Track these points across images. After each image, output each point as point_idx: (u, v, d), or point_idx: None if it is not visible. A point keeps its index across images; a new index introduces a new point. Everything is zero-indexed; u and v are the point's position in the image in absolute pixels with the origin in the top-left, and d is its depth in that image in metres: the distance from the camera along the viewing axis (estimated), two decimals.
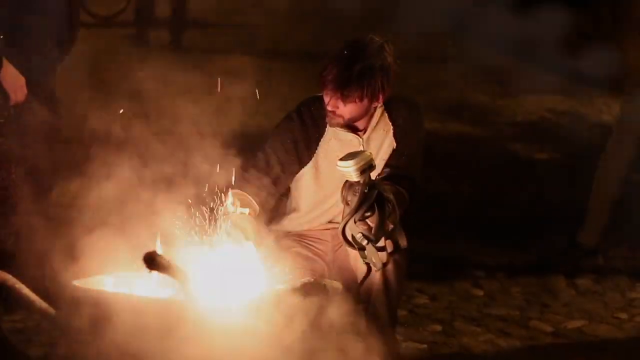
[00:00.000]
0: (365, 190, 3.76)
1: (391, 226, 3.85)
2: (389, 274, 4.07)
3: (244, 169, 4.15)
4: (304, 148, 4.23)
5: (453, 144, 7.93)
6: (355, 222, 3.78)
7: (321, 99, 4.21)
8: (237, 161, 4.07)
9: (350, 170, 3.77)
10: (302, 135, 4.23)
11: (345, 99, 4.10)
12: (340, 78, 4.08)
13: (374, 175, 4.14)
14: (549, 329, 4.93)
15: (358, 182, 3.78)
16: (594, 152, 5.79)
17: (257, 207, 4.11)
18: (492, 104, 9.31)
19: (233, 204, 4.01)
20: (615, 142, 5.60)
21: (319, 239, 4.32)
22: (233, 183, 4.08)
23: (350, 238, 3.81)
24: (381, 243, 3.84)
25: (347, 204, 3.82)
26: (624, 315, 5.11)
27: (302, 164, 4.25)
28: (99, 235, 3.88)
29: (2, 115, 4.59)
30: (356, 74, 4.07)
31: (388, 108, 4.25)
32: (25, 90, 4.66)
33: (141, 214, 3.86)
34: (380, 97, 4.16)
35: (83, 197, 4.07)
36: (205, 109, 4.32)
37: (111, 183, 3.98)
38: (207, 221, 3.92)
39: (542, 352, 4.69)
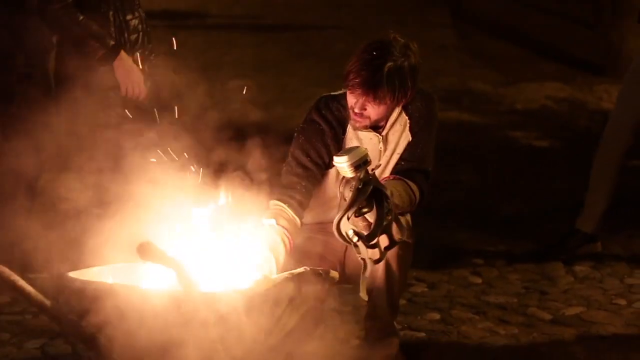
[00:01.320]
0: (360, 186, 3.74)
1: (388, 219, 3.83)
2: (392, 265, 4.07)
3: (280, 177, 4.14)
4: (334, 148, 4.19)
5: (453, 132, 7.92)
6: (348, 219, 3.76)
7: (337, 97, 4.20)
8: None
9: (344, 166, 3.75)
10: (330, 136, 4.20)
11: (378, 101, 4.08)
12: (371, 80, 4.03)
13: (389, 168, 4.14)
14: (547, 316, 4.93)
15: (353, 177, 3.77)
16: (594, 140, 5.78)
17: (295, 218, 4.10)
18: (493, 91, 9.30)
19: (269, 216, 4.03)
20: (612, 128, 5.60)
21: (331, 232, 4.31)
22: (273, 194, 4.07)
23: (344, 233, 3.79)
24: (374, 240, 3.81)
25: (344, 199, 3.81)
26: (622, 302, 5.10)
27: (326, 164, 4.22)
28: (95, 226, 3.89)
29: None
30: (387, 76, 4.03)
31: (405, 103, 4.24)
32: (142, 88, 4.53)
33: (137, 204, 3.87)
34: (408, 94, 4.14)
35: (79, 187, 4.08)
36: None
37: (109, 171, 3.99)
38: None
39: (541, 339, 4.68)
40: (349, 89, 4.10)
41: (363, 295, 3.88)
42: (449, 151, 7.40)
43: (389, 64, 4.03)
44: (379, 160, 4.21)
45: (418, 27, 11.25)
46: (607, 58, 9.60)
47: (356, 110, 4.12)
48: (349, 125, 4.21)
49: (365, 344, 4.28)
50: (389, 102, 4.09)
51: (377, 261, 3.82)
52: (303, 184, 4.13)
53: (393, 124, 4.22)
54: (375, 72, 4.03)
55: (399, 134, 4.23)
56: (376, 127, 4.21)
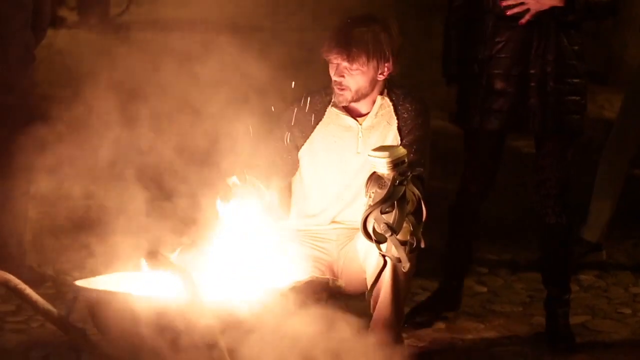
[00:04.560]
0: (395, 185, 3.75)
1: (412, 225, 3.84)
2: (399, 272, 4.07)
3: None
4: (298, 132, 4.25)
5: (455, 141, 7.90)
6: (381, 213, 3.76)
7: (325, 87, 4.24)
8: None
9: (382, 162, 3.77)
10: (298, 119, 4.27)
11: (351, 60, 4.13)
12: (346, 39, 4.14)
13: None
14: None
15: (385, 175, 3.77)
16: (596, 149, 5.79)
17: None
18: None
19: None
20: (616, 137, 5.61)
21: (323, 238, 4.32)
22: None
23: (370, 230, 3.79)
24: (403, 237, 3.83)
25: (369, 196, 3.81)
26: (627, 311, 5.10)
27: (297, 147, 4.28)
28: (102, 234, 3.89)
29: None
30: (361, 34, 4.14)
31: (394, 101, 4.26)
32: None
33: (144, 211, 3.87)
34: (386, 68, 4.18)
35: (85, 195, 4.08)
36: None
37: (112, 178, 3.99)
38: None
39: (547, 348, 4.68)
40: (326, 54, 4.19)
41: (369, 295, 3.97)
42: (452, 160, 7.36)
43: (363, 28, 4.16)
44: (357, 148, 4.24)
45: (417, 36, 11.25)
46: (609, 67, 9.60)
47: (335, 79, 4.17)
48: (327, 111, 4.25)
49: (371, 352, 4.26)
50: (364, 64, 4.14)
51: (398, 260, 3.83)
52: (262, 168, 4.17)
53: (376, 116, 4.25)
54: (349, 32, 4.15)
55: (385, 130, 4.26)
56: (358, 115, 4.25)
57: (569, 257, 4.80)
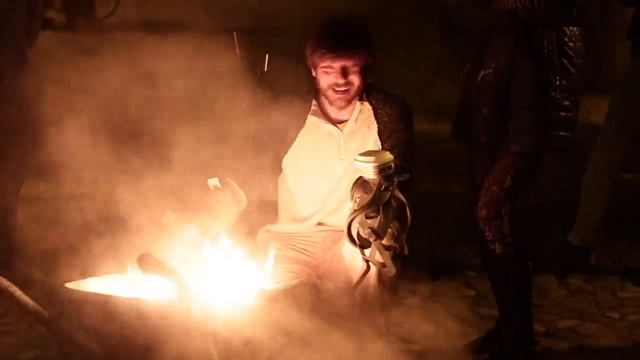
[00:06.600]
0: (381, 190, 3.76)
1: (396, 231, 3.84)
2: (384, 276, 4.07)
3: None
4: (280, 139, 4.25)
5: (445, 144, 7.92)
6: (366, 218, 3.77)
7: (308, 93, 4.22)
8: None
9: (368, 167, 3.77)
10: (279, 126, 4.25)
11: (355, 56, 4.09)
12: (344, 38, 4.08)
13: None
14: (540, 328, 4.93)
15: (371, 180, 3.77)
16: (583, 153, 5.80)
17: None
18: None
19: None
20: (603, 141, 5.62)
21: (308, 240, 4.32)
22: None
23: (354, 234, 3.80)
24: (387, 242, 3.83)
25: (354, 200, 3.82)
26: (615, 315, 5.12)
27: (279, 154, 4.27)
28: (92, 236, 3.89)
29: None
30: (351, 29, 4.12)
31: (373, 105, 4.25)
32: None
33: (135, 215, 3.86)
34: (369, 62, 4.17)
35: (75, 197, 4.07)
36: None
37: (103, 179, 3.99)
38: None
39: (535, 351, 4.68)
40: (322, 60, 4.12)
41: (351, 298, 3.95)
42: (442, 164, 7.41)
43: (349, 22, 4.13)
44: (340, 155, 4.23)
45: (409, 42, 11.29)
46: (597, 72, 9.64)
47: (338, 81, 4.12)
48: (307, 119, 4.24)
49: (358, 356, 4.27)
50: (366, 55, 4.11)
51: (383, 266, 3.83)
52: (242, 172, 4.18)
53: (356, 121, 4.24)
54: (341, 31, 4.10)
55: (365, 135, 4.25)
56: (339, 121, 4.24)
57: (520, 294, 4.41)
